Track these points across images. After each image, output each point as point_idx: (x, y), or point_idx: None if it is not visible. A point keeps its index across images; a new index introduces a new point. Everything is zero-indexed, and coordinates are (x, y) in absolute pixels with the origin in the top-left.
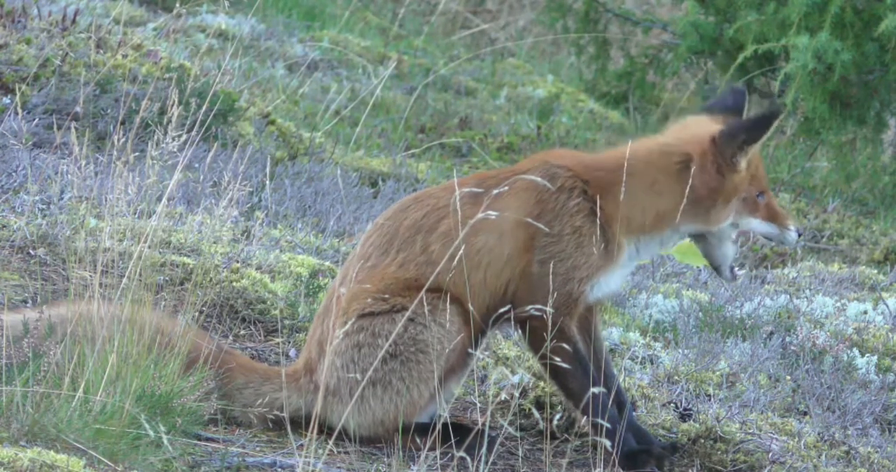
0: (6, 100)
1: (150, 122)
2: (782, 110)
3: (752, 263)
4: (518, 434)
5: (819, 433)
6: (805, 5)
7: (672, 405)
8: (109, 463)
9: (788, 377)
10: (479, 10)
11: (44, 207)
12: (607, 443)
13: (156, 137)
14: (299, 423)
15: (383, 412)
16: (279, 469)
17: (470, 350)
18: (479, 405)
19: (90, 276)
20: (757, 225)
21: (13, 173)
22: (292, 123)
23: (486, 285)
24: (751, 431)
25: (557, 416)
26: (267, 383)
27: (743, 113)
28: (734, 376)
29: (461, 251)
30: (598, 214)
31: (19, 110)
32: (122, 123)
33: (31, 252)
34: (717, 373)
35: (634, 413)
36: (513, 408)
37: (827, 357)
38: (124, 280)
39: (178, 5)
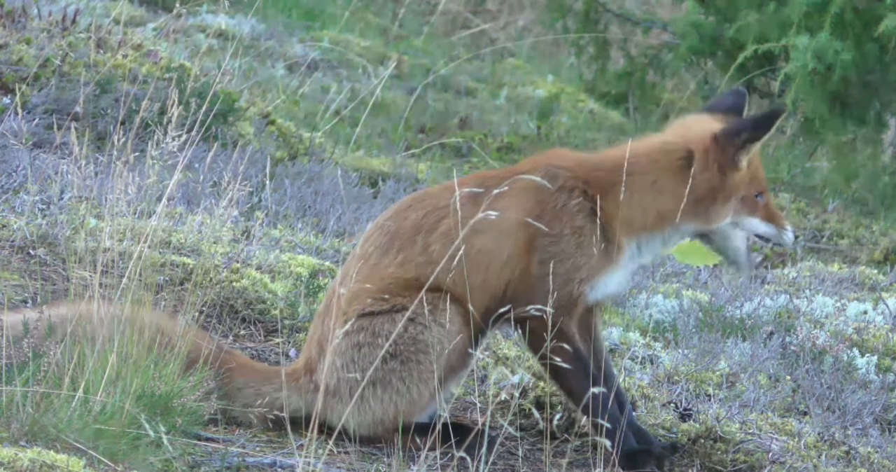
0: (6, 100)
1: (150, 122)
2: (784, 109)
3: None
4: (518, 434)
5: (819, 433)
6: (805, 5)
7: (672, 405)
8: (109, 463)
9: (788, 377)
10: (479, 10)
11: (44, 207)
12: (607, 443)
13: (156, 137)
14: (299, 423)
15: (383, 412)
16: (279, 469)
17: (470, 350)
18: (479, 405)
19: (90, 276)
20: (756, 225)
21: (13, 173)
22: (292, 123)
23: (486, 286)
24: (751, 431)
25: (557, 416)
26: (267, 383)
27: (743, 113)
28: (734, 376)
29: (461, 251)
30: (599, 214)
31: (19, 110)
32: (122, 123)
33: (31, 252)
34: (717, 373)
35: (634, 413)
36: (513, 408)
37: (827, 357)
38: (124, 280)
39: (178, 5)
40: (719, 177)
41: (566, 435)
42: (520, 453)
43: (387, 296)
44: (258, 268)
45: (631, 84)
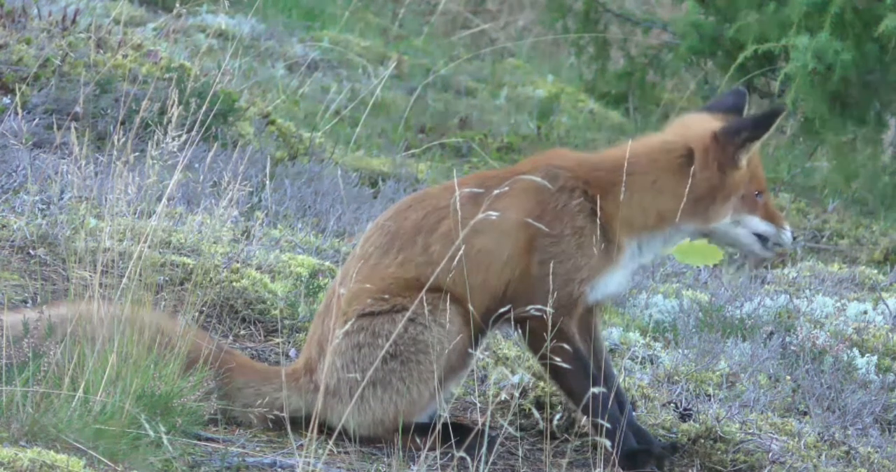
0: (6, 100)
1: (150, 122)
2: (784, 108)
3: (752, 263)
4: (518, 434)
5: (819, 433)
6: (805, 5)
7: (672, 405)
8: (109, 463)
9: (788, 377)
10: (479, 10)
11: (44, 207)
12: (607, 443)
13: (156, 137)
14: (299, 423)
15: (383, 412)
16: (279, 469)
17: (470, 350)
18: (479, 405)
19: (90, 276)
20: (756, 223)
21: (13, 173)
22: (292, 123)
23: (487, 286)
24: (751, 431)
25: (557, 416)
26: (267, 383)
27: (743, 113)
28: (734, 376)
29: (461, 252)
30: (599, 214)
31: (19, 110)
32: (122, 123)
33: (31, 252)
34: (717, 373)
35: (634, 413)
36: (513, 408)
37: (827, 357)
38: (124, 280)
39: (178, 5)
40: (719, 176)
41: (566, 435)
42: (520, 453)
43: (387, 296)
44: (258, 268)
45: (631, 84)
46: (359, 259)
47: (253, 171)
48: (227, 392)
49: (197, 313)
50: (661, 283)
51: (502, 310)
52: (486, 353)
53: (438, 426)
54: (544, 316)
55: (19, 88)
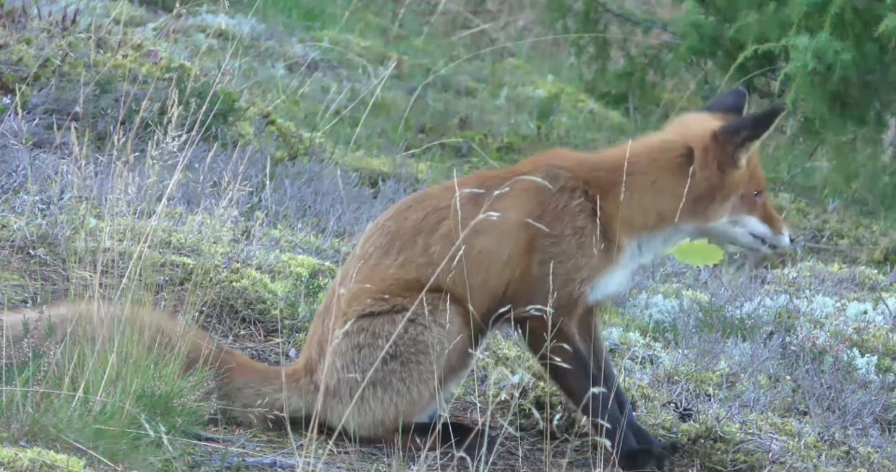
0: (6, 100)
1: (150, 122)
2: (783, 108)
3: (752, 263)
4: (518, 434)
5: (819, 433)
6: (805, 5)
7: (672, 405)
8: (109, 463)
9: (788, 377)
10: (479, 10)
11: (44, 207)
12: (607, 443)
13: (156, 137)
14: (299, 423)
15: (383, 413)
16: (279, 469)
17: (470, 350)
18: (479, 405)
19: (90, 276)
20: (754, 224)
21: (13, 173)
22: (292, 123)
23: (487, 286)
24: (751, 431)
25: (557, 416)
26: (267, 383)
27: (743, 113)
28: (734, 376)
29: (461, 252)
30: (599, 214)
31: (19, 110)
32: (122, 123)
33: (31, 252)
34: (717, 373)
35: (634, 413)
36: (513, 408)
37: (827, 357)
38: (124, 280)
39: (178, 5)
40: (718, 175)
41: (566, 435)
42: (520, 453)
43: (387, 296)
44: (258, 268)
45: (631, 84)
46: (359, 259)
47: (253, 171)
48: (227, 392)
49: (197, 313)
50: (661, 283)
51: (502, 310)
52: (486, 353)
53: (438, 426)
54: (544, 316)
55: (19, 88)
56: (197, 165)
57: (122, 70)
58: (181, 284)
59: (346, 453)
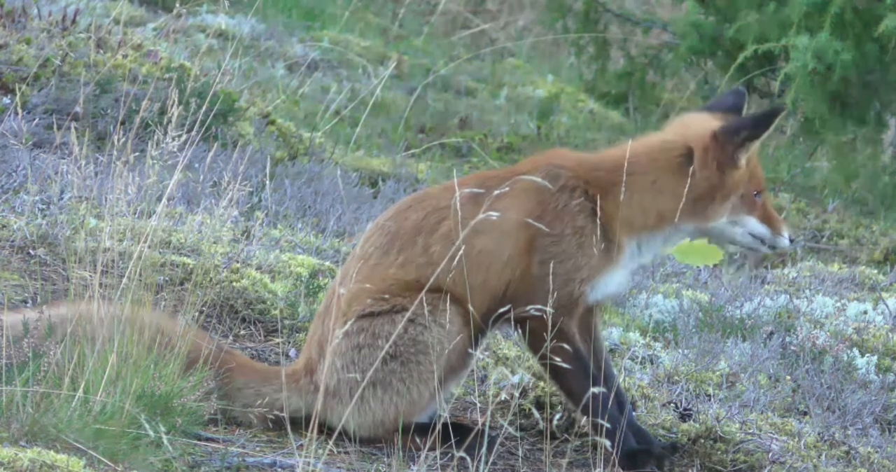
0: (6, 100)
1: (150, 122)
2: (783, 108)
3: (752, 263)
4: (518, 434)
5: (819, 433)
6: (805, 5)
7: (672, 405)
8: (109, 463)
9: (788, 377)
10: (479, 10)
11: (44, 207)
12: (607, 443)
13: (156, 137)
14: (299, 423)
15: (383, 413)
16: (279, 469)
17: (470, 350)
18: (479, 405)
19: (90, 276)
20: (753, 224)
21: (13, 173)
22: (292, 123)
23: (487, 286)
24: (751, 431)
25: (557, 416)
26: (267, 383)
27: (742, 113)
28: (734, 376)
29: (461, 252)
30: (599, 214)
31: (19, 110)
32: (122, 123)
33: (31, 252)
34: (717, 373)
35: (634, 413)
36: (513, 408)
37: (827, 357)
38: (124, 280)
39: (178, 5)
40: (718, 175)
41: (566, 435)
42: (520, 453)
43: (387, 296)
44: (258, 268)
45: (631, 84)
46: (359, 259)
47: (253, 171)
48: (227, 392)
49: (197, 313)
50: (661, 283)
51: (502, 310)
52: (486, 353)
53: (438, 426)
54: (544, 316)
55: (19, 88)
56: (197, 165)
57: (122, 70)
58: (181, 284)
59: (346, 453)
